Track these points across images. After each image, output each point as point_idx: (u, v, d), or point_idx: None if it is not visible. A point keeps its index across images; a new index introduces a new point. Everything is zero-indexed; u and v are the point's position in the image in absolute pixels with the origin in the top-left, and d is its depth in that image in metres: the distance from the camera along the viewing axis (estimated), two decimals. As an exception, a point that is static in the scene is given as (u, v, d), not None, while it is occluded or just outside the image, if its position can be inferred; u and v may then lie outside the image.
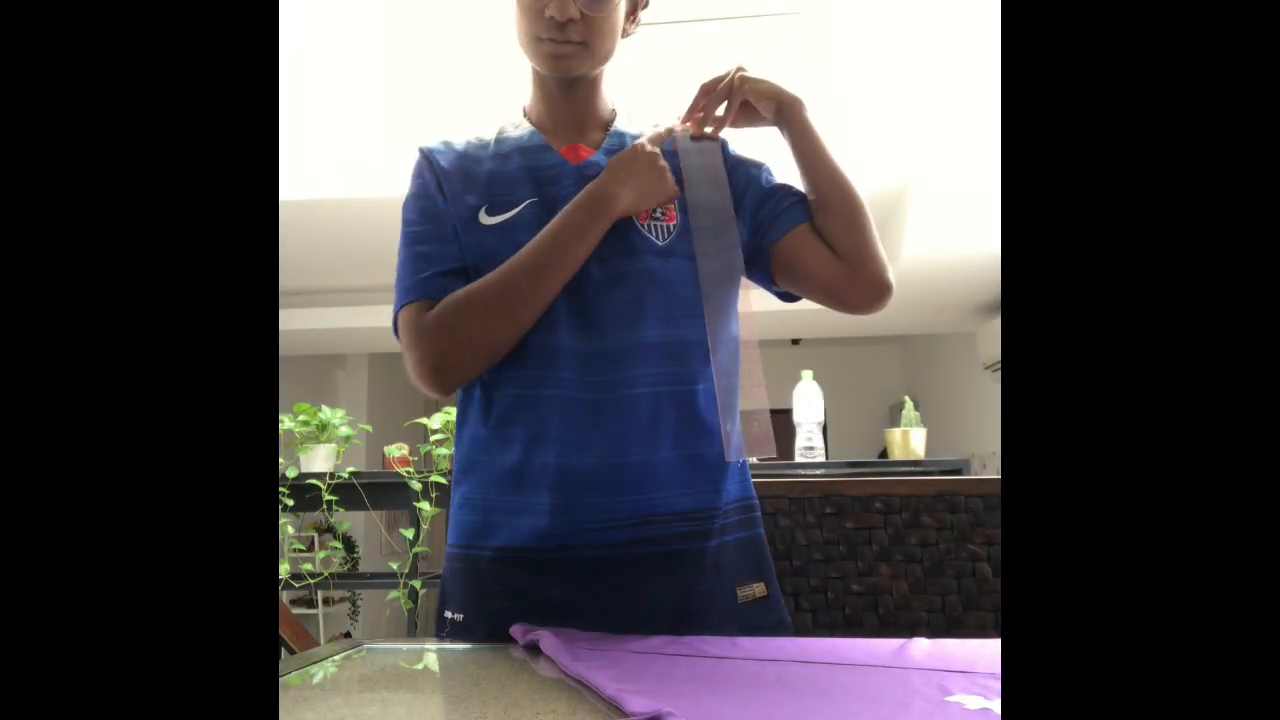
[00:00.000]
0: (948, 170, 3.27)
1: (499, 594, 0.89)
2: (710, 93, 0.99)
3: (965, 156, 3.13)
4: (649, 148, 0.93)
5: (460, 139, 1.00)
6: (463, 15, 2.52)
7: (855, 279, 0.93)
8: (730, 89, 0.98)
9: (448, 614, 0.93)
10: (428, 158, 0.98)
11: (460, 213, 0.94)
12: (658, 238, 0.93)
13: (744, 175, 1.00)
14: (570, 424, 0.87)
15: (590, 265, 0.90)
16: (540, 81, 0.98)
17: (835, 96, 2.86)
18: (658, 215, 0.94)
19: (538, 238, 0.89)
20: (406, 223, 0.96)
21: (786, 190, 0.99)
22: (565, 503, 0.87)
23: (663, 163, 0.93)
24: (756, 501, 0.96)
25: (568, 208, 0.90)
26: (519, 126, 1.01)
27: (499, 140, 0.99)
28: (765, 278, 1.00)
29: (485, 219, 0.93)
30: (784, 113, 0.97)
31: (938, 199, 3.43)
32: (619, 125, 1.01)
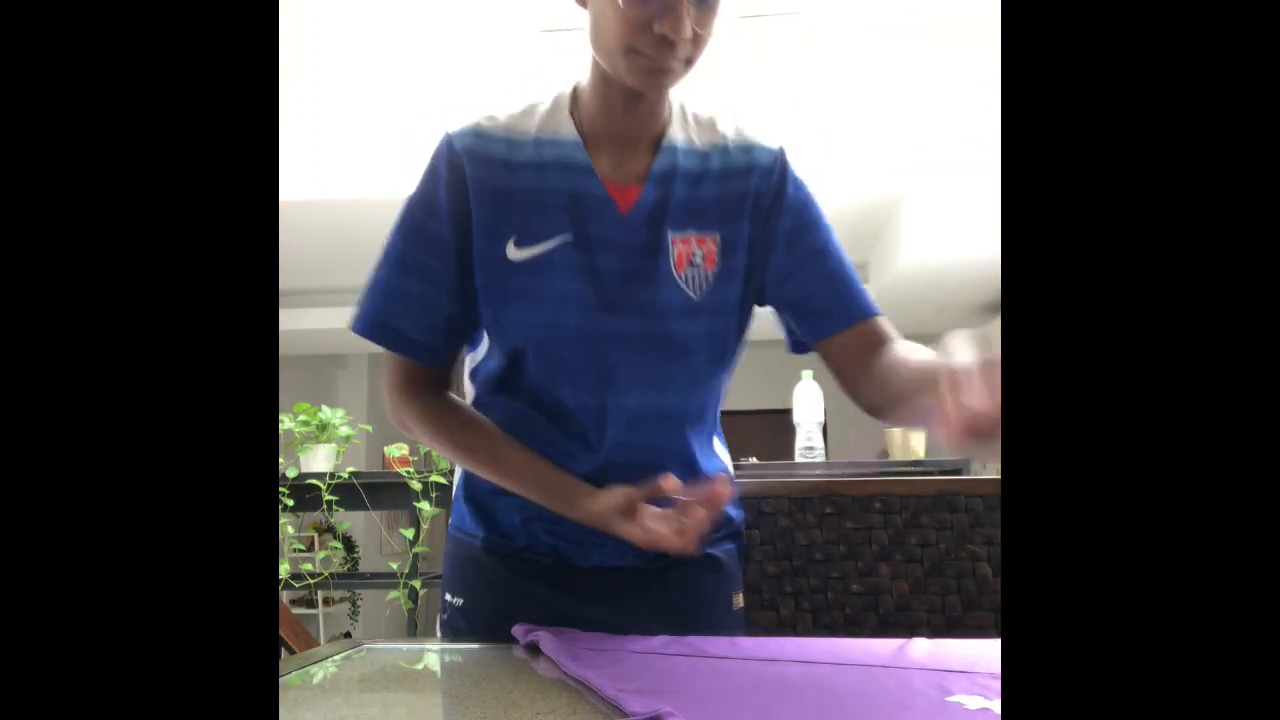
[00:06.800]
0: (949, 169, 3.27)
1: (497, 586, 0.91)
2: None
3: (966, 157, 3.14)
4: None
5: (497, 125, 0.87)
6: (464, 15, 2.52)
7: (866, 407, 0.93)
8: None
9: (449, 597, 0.95)
10: (454, 161, 0.85)
11: (482, 246, 0.84)
12: (694, 290, 0.85)
13: (815, 241, 0.90)
14: (571, 455, 0.87)
15: (616, 320, 0.84)
16: (604, 85, 0.84)
17: (835, 99, 2.86)
18: (697, 261, 0.86)
19: (514, 466, 0.86)
20: (403, 233, 0.87)
21: (850, 279, 0.92)
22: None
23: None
24: (739, 515, 0.99)
25: (552, 485, 0.84)
26: (560, 130, 0.87)
27: (539, 142, 0.86)
28: (805, 341, 0.97)
29: (514, 253, 0.84)
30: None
31: (939, 198, 3.43)
32: (672, 134, 0.88)
